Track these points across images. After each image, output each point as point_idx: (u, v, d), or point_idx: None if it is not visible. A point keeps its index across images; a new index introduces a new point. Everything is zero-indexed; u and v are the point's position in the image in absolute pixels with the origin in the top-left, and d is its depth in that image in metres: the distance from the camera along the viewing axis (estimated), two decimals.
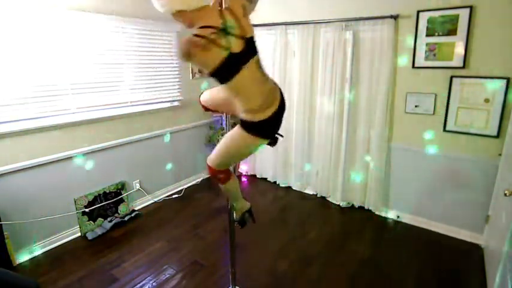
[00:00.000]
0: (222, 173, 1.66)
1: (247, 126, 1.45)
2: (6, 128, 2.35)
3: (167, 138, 3.67)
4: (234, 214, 1.93)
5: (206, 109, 1.86)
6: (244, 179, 4.29)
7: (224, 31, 1.25)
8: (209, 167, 1.66)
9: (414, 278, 2.36)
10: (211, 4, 1.33)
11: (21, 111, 2.41)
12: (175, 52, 1.22)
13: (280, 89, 1.52)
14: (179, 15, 1.29)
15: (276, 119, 1.46)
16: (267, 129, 1.47)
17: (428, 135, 2.90)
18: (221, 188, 1.76)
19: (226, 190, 1.77)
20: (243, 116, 1.43)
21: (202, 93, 1.83)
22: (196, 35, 1.24)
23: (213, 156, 1.61)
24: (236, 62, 1.30)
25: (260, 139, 1.48)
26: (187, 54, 1.26)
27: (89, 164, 2.95)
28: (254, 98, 1.39)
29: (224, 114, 1.57)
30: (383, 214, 3.28)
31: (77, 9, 2.63)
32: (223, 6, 1.34)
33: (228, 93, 1.43)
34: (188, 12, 1.27)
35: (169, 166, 3.78)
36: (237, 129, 1.49)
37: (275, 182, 4.08)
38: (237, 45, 1.29)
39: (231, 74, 1.31)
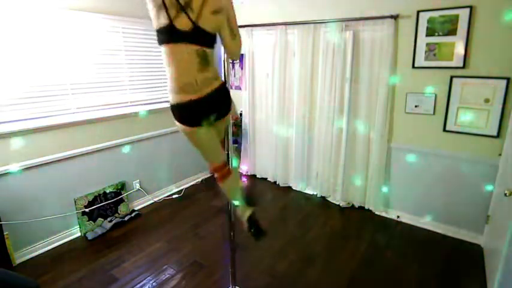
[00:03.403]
0: (217, 171, 1.72)
1: (171, 110, 1.53)
2: (6, 128, 2.34)
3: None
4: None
5: None
6: (244, 179, 4.29)
7: (181, 7, 1.34)
8: (209, 167, 1.75)
9: (414, 278, 2.36)
10: None
11: (22, 111, 2.42)
12: None
13: (221, 88, 1.54)
14: None
15: (192, 108, 1.47)
16: (180, 113, 1.50)
17: (428, 135, 2.90)
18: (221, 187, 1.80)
19: (225, 190, 1.80)
20: (169, 96, 1.50)
21: None
22: None
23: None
24: (172, 34, 1.37)
25: (180, 124, 1.52)
26: None
27: (89, 164, 2.95)
28: (180, 76, 1.43)
29: None
30: (383, 214, 3.28)
31: (78, 9, 2.63)
32: None
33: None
34: None
35: (169, 166, 3.78)
36: None
37: (275, 182, 4.08)
38: (182, 24, 1.36)
39: (164, 41, 1.40)
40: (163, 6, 1.33)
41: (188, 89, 1.43)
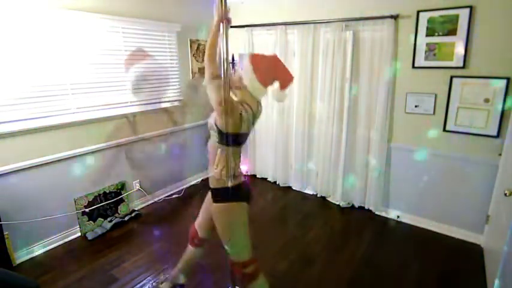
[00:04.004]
0: (249, 264, 1.79)
1: (228, 194, 1.79)
2: (6, 128, 2.34)
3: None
4: None
5: None
6: (244, 178, 4.28)
7: (253, 115, 1.72)
8: (237, 264, 1.79)
9: (414, 278, 2.36)
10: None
11: (22, 111, 2.41)
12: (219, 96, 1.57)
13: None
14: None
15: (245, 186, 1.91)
16: (245, 191, 1.88)
17: (428, 135, 2.90)
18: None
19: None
20: (228, 181, 1.77)
21: None
22: (242, 105, 1.65)
23: (233, 250, 1.80)
24: (245, 139, 1.79)
25: (242, 203, 1.82)
26: (222, 104, 1.54)
27: (89, 164, 2.95)
28: (238, 165, 1.83)
29: None
30: (383, 214, 3.28)
31: (77, 9, 2.63)
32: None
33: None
34: (249, 93, 1.73)
35: (169, 166, 3.77)
36: (220, 208, 1.81)
37: (275, 182, 4.08)
38: (247, 128, 1.71)
39: (238, 143, 1.75)
40: (252, 122, 1.71)
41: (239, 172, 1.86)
